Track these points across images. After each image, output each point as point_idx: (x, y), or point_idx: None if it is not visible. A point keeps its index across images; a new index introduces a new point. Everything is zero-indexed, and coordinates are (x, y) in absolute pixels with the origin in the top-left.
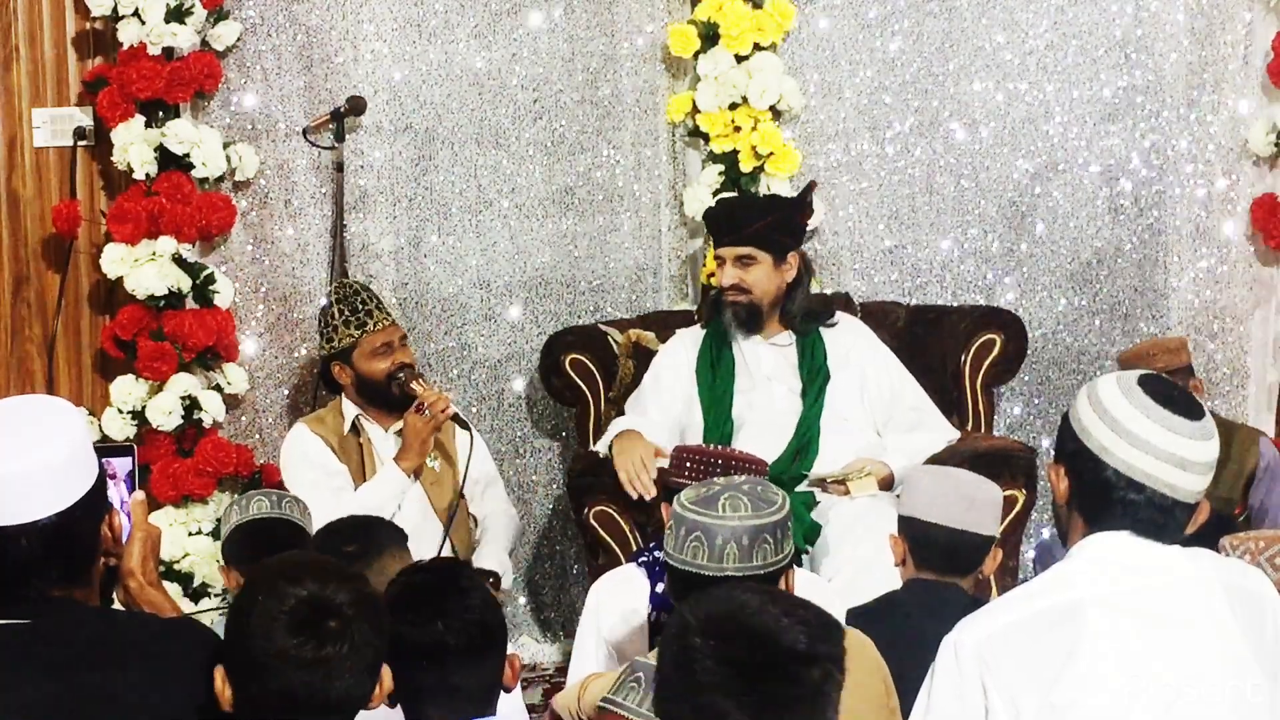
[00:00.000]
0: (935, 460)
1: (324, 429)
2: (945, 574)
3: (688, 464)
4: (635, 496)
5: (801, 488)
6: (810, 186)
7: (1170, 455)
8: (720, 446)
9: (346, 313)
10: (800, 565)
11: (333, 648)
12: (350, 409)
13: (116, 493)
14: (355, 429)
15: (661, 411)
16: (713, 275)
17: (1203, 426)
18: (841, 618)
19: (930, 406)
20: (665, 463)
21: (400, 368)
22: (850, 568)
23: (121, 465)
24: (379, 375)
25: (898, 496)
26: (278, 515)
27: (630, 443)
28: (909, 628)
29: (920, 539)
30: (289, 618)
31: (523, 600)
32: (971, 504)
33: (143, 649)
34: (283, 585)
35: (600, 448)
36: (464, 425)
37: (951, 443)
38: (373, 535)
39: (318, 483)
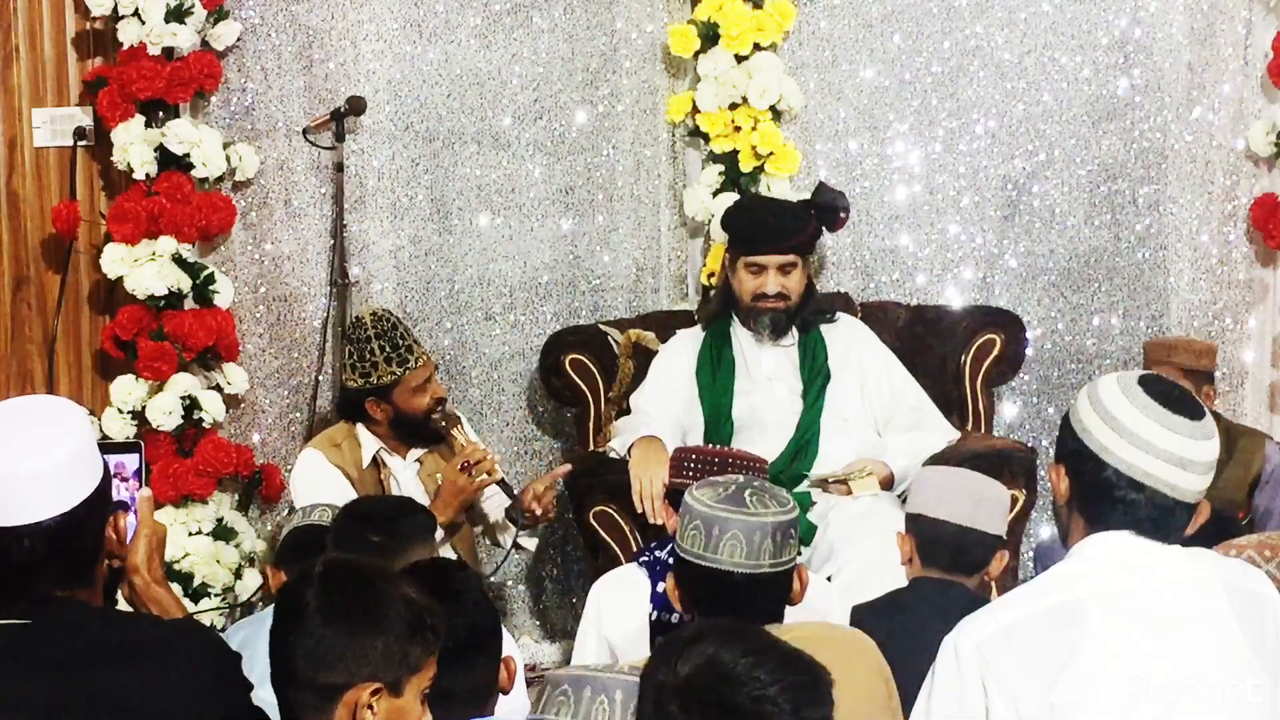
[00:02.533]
0: (935, 460)
1: (341, 459)
2: (951, 572)
3: (687, 466)
4: (642, 515)
5: (802, 488)
6: (823, 187)
7: (1170, 455)
8: (720, 446)
9: (388, 349)
10: None
11: (319, 626)
12: (371, 442)
13: (126, 490)
14: (375, 462)
15: (663, 411)
16: (713, 275)
17: (1203, 426)
18: (845, 616)
19: (930, 406)
20: None
21: (438, 402)
22: (852, 567)
23: (129, 463)
24: (419, 411)
25: (899, 496)
26: (327, 525)
27: (652, 455)
28: (915, 625)
29: (928, 536)
30: (333, 578)
31: (523, 600)
32: (980, 502)
33: (144, 650)
34: (380, 575)
35: (618, 447)
36: (509, 491)
37: (951, 442)
38: (400, 528)
39: None
